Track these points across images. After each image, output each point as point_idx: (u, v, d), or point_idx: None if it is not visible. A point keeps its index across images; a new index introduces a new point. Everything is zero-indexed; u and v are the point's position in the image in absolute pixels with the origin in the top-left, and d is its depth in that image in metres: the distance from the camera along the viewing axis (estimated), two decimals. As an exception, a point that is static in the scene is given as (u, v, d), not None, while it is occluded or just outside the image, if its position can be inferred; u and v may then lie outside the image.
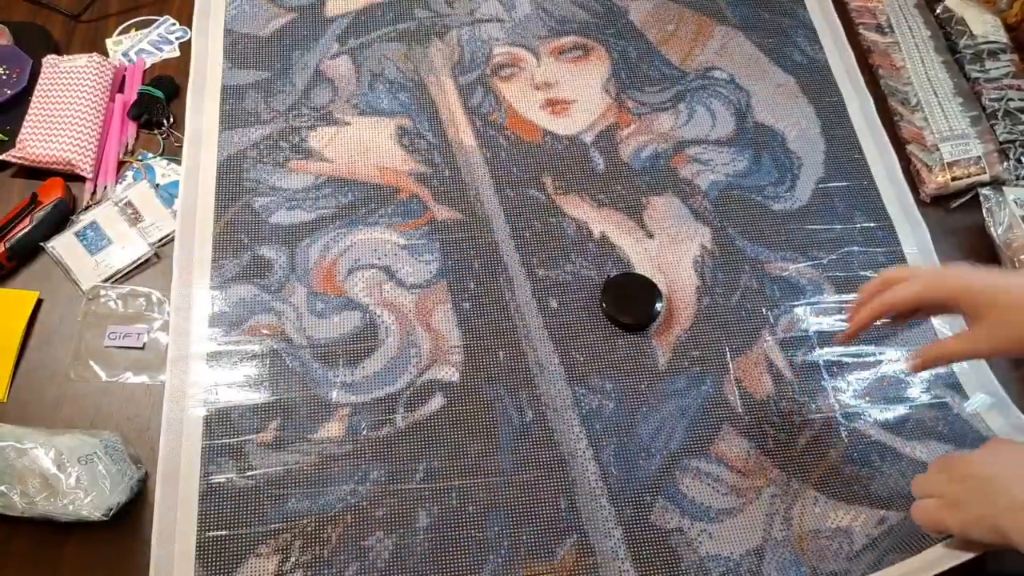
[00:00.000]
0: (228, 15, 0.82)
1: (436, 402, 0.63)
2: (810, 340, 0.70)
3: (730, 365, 0.67)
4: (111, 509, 0.57)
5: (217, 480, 0.59)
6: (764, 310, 0.70)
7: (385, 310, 0.67)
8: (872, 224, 0.76)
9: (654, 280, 0.69)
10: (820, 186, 0.77)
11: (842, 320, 0.71)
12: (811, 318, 0.70)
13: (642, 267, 0.70)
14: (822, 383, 0.68)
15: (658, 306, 0.67)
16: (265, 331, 0.66)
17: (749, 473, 0.63)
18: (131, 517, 0.59)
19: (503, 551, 0.58)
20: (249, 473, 0.60)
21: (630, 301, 0.68)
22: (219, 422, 0.62)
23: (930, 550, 0.54)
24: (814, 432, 0.66)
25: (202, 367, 0.64)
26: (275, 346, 0.65)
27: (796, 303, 0.71)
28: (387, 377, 0.64)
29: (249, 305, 0.67)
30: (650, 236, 0.72)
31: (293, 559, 0.57)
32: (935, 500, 0.51)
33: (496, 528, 0.59)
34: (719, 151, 0.77)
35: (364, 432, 0.62)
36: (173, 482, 0.59)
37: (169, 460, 0.60)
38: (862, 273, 0.73)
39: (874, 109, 0.83)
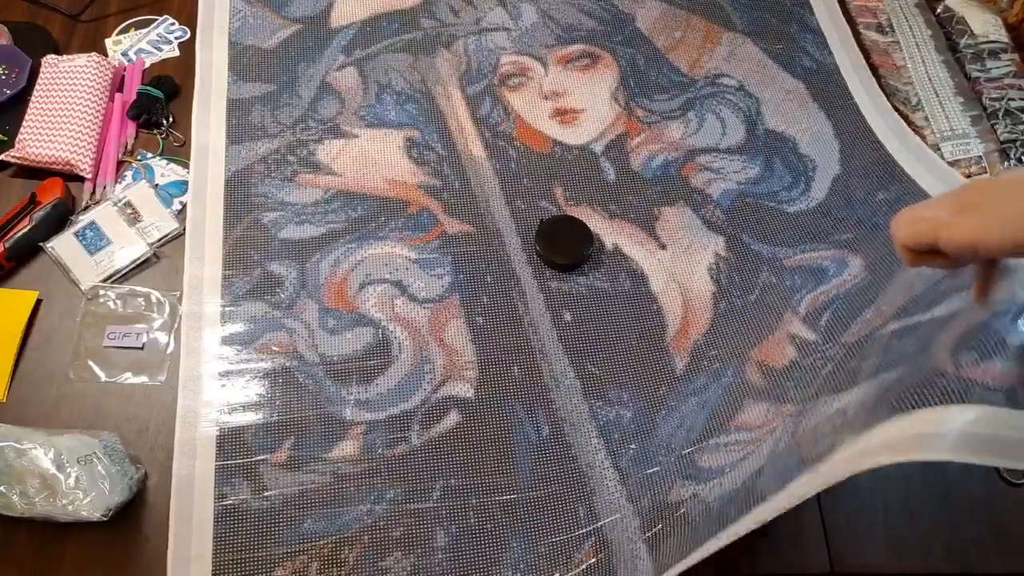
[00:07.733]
0: (232, 27, 0.81)
1: (451, 419, 0.63)
2: (835, 302, 0.66)
3: (751, 353, 0.65)
4: (110, 509, 0.56)
5: (232, 502, 0.59)
6: (784, 300, 0.67)
7: (398, 326, 0.66)
8: (894, 192, 0.73)
9: (668, 290, 0.68)
10: (837, 183, 0.75)
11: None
12: (835, 290, 0.67)
13: (656, 277, 0.69)
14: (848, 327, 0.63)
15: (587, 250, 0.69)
16: (276, 348, 0.65)
17: (767, 423, 0.60)
18: (130, 517, 0.59)
19: (522, 566, 0.58)
20: (265, 494, 0.59)
21: (563, 243, 0.69)
22: (232, 442, 0.61)
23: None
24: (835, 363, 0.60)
25: (214, 386, 0.63)
26: (287, 364, 0.64)
27: (820, 284, 0.68)
28: (402, 394, 0.64)
29: (260, 323, 0.66)
30: (663, 247, 0.71)
31: None
32: (932, 211, 0.42)
33: (515, 545, 0.59)
34: (730, 159, 0.76)
35: (380, 450, 0.61)
36: (187, 504, 0.58)
37: (183, 481, 0.59)
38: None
39: (888, 103, 0.81)
